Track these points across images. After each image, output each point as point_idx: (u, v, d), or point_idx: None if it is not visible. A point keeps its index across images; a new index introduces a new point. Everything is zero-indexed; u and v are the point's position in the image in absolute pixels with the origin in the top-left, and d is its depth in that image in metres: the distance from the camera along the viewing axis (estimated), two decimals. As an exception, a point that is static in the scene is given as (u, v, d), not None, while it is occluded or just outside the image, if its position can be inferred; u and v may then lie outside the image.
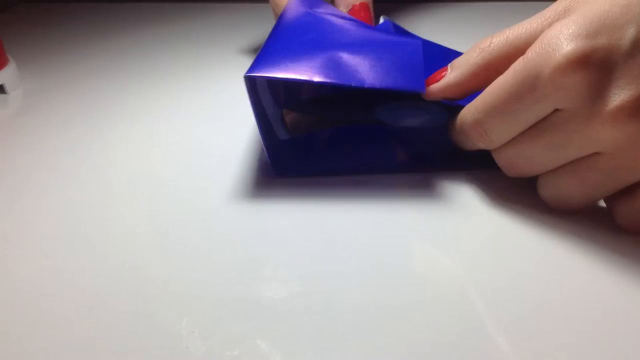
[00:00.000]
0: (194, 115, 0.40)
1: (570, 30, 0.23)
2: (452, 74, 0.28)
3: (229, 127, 0.38)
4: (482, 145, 0.27)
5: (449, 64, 0.28)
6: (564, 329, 0.22)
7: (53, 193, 0.32)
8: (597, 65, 0.22)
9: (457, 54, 0.35)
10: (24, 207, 0.31)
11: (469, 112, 0.27)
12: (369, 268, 0.25)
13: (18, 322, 0.23)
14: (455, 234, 0.27)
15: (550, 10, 0.26)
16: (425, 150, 0.33)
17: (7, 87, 0.45)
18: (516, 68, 0.24)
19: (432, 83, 0.29)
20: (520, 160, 0.26)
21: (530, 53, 0.24)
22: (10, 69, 0.45)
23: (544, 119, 0.25)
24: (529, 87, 0.24)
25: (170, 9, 0.64)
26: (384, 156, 0.33)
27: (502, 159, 0.27)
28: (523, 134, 0.26)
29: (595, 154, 0.24)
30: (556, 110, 0.24)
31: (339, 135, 0.34)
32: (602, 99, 0.23)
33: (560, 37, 0.23)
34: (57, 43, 0.56)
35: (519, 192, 0.29)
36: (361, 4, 0.41)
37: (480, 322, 0.22)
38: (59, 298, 0.24)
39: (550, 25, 0.25)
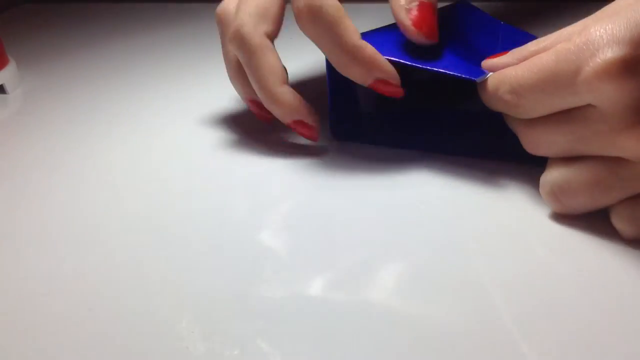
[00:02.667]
0: (195, 114, 0.40)
1: (614, 32, 0.23)
2: (506, 58, 0.28)
3: (228, 126, 0.38)
4: (512, 112, 0.27)
5: (511, 50, 0.29)
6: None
7: (53, 193, 0.32)
8: (636, 75, 0.22)
9: None
10: (23, 207, 0.31)
11: (507, 77, 0.27)
12: (370, 268, 0.25)
13: (17, 322, 0.23)
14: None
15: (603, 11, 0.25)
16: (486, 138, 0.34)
17: (7, 87, 0.45)
18: (559, 53, 0.24)
19: (491, 59, 0.29)
20: (541, 141, 0.26)
21: (572, 45, 0.24)
22: (10, 69, 0.45)
23: (577, 107, 0.24)
24: (567, 80, 0.24)
25: (171, 9, 0.64)
26: (443, 139, 0.34)
27: (526, 136, 0.27)
28: (552, 116, 0.26)
29: (617, 158, 0.24)
30: (590, 104, 0.24)
31: (406, 114, 0.36)
32: (635, 109, 0.23)
33: (603, 37, 0.23)
34: (57, 43, 0.56)
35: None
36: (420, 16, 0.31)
37: (491, 317, 0.22)
38: (59, 298, 0.24)
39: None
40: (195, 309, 0.23)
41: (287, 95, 0.32)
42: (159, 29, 0.58)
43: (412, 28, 0.29)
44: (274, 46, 0.32)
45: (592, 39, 0.23)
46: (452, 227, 0.27)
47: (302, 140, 0.35)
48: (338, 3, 0.29)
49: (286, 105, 0.32)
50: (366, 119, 0.37)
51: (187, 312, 0.23)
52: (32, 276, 0.26)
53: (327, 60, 0.31)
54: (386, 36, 0.32)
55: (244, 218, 0.29)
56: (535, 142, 0.27)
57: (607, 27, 0.23)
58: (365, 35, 0.30)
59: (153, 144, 0.36)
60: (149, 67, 0.48)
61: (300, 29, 0.30)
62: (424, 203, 0.29)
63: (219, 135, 0.37)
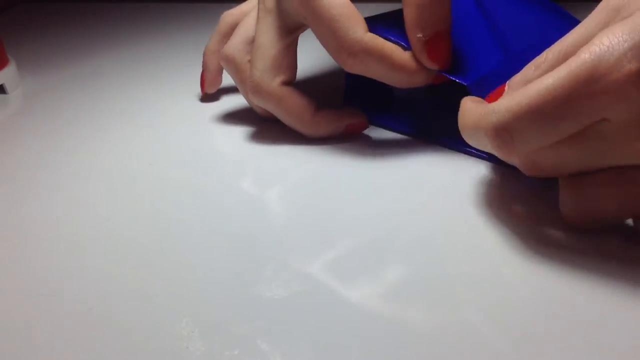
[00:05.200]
0: (196, 113, 0.40)
1: (636, 36, 0.21)
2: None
3: (229, 126, 0.38)
4: (498, 151, 0.25)
5: (507, 83, 0.26)
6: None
7: (53, 193, 0.32)
8: None
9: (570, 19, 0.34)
10: (23, 207, 0.31)
11: (494, 110, 0.24)
12: (369, 268, 0.25)
13: (18, 322, 0.23)
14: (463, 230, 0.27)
15: (599, 12, 0.24)
16: None
17: (7, 87, 0.45)
18: (571, 67, 0.22)
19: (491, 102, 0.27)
20: (545, 165, 0.24)
21: (586, 54, 0.22)
22: (10, 69, 0.45)
23: (588, 126, 0.23)
24: (585, 91, 0.22)
25: (172, 8, 0.64)
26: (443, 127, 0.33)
27: (522, 158, 0.25)
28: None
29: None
30: (603, 119, 0.22)
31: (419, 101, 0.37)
32: None
33: (627, 41, 0.21)
34: (57, 43, 0.56)
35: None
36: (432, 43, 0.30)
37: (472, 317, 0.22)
38: (59, 298, 0.24)
39: (598, 11, 0.24)
40: (195, 309, 0.23)
41: (324, 120, 0.34)
42: (159, 28, 0.58)
43: (428, 61, 0.30)
44: (294, 87, 0.34)
45: (611, 43, 0.21)
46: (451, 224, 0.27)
47: (303, 138, 0.35)
48: (371, 34, 0.30)
49: (326, 129, 0.34)
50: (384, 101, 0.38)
51: (187, 312, 0.23)
52: (32, 276, 0.26)
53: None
54: (394, 24, 0.31)
55: (244, 218, 0.29)
56: (537, 166, 0.25)
57: (625, 32, 0.21)
58: (372, 25, 0.30)
59: (154, 143, 0.36)
60: (149, 67, 0.48)
61: (353, 73, 0.31)
62: (425, 199, 0.29)
63: (221, 135, 0.37)
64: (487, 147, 0.25)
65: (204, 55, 0.40)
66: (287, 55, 0.33)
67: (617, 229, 0.26)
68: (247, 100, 0.36)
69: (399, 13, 0.31)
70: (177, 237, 0.28)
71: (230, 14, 0.39)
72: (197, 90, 0.42)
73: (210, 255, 0.26)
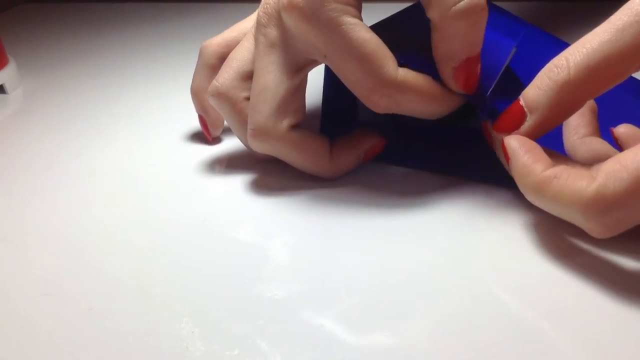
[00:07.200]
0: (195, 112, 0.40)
1: None
2: (533, 119, 0.24)
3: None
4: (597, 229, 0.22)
5: (522, 99, 0.25)
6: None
7: (53, 193, 0.32)
8: None
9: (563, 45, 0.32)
10: (23, 207, 0.31)
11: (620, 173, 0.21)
12: (370, 268, 0.25)
13: (18, 322, 0.23)
14: (456, 248, 0.27)
15: (626, 13, 0.22)
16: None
17: (7, 87, 0.45)
18: None
19: (506, 125, 0.25)
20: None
21: None
22: (10, 69, 0.45)
23: None
24: None
25: (171, 8, 0.64)
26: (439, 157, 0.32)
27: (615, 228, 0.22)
28: None
29: None
30: None
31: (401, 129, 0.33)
32: None
33: None
34: (57, 43, 0.56)
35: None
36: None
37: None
38: (59, 298, 0.24)
39: (632, 23, 0.22)
40: (195, 309, 0.23)
41: (343, 155, 0.30)
42: (159, 28, 0.58)
43: (457, 87, 0.27)
44: (304, 128, 0.30)
45: None
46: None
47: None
48: (403, 69, 0.26)
49: (347, 164, 0.31)
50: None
51: (187, 312, 0.23)
52: (32, 276, 0.26)
53: (326, 71, 0.30)
54: (403, 43, 0.28)
55: (244, 218, 0.29)
56: (624, 227, 0.22)
57: None
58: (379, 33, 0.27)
59: (154, 142, 0.36)
60: (148, 67, 0.49)
61: (382, 112, 0.28)
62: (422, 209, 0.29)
63: (222, 134, 0.37)
64: (576, 221, 0.23)
65: (193, 95, 0.34)
66: (296, 97, 0.29)
67: None
68: (245, 144, 0.32)
69: (395, 23, 0.29)
70: (177, 237, 0.28)
71: (214, 44, 0.34)
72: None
73: (210, 255, 0.26)
